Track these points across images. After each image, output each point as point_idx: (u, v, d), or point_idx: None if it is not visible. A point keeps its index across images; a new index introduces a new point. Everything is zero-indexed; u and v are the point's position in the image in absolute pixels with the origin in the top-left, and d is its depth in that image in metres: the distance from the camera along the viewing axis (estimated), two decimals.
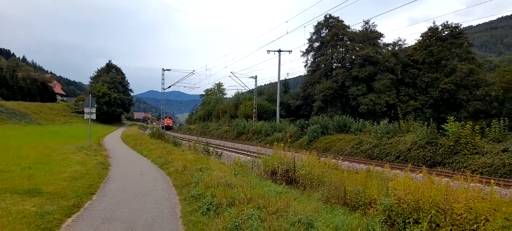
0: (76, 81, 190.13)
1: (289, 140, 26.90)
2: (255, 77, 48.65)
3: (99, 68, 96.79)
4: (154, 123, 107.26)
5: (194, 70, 45.68)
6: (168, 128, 73.31)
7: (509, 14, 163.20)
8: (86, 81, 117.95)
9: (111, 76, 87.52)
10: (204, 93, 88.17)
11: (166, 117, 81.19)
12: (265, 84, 69.23)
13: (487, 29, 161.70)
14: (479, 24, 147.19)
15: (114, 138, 34.68)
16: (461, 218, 4.98)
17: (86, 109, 20.78)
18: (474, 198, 5.13)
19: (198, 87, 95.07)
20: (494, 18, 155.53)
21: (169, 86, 50.56)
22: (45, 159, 13.18)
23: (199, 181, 8.78)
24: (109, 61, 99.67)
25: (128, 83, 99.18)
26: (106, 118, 73.94)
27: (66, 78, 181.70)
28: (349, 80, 41.46)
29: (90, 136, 21.57)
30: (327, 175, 8.45)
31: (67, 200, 7.17)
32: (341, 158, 13.01)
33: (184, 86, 68.32)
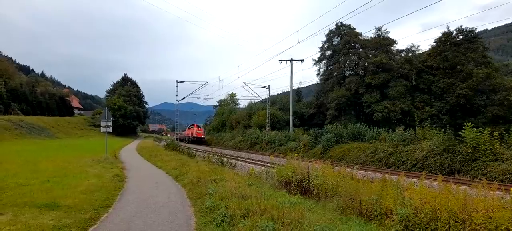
0: (93, 95, 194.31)
1: (303, 149, 26.73)
2: (268, 87, 48.79)
3: (115, 82, 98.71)
4: (168, 135, 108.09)
5: (207, 82, 46.19)
6: (198, 141, 58.78)
7: None
8: (102, 94, 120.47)
9: (126, 89, 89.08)
10: (217, 104, 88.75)
11: (193, 124, 67.15)
12: (278, 94, 69.20)
13: (504, 32, 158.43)
14: (495, 27, 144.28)
15: (129, 150, 35.15)
16: (481, 228, 4.86)
17: (103, 123, 21.16)
18: (493, 207, 5.01)
19: (211, 98, 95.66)
20: (510, 21, 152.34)
21: (183, 98, 51.25)
22: (62, 172, 13.44)
23: (213, 192, 8.80)
24: (125, 74, 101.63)
25: (143, 95, 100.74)
26: (121, 131, 75.06)
27: (83, 92, 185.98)
28: (363, 88, 41.14)
29: (106, 149, 21.92)
30: (342, 185, 8.36)
31: (84, 213, 7.29)
32: (356, 167, 12.88)
33: (198, 98, 68.79)
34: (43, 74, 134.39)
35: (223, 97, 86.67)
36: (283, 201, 7.49)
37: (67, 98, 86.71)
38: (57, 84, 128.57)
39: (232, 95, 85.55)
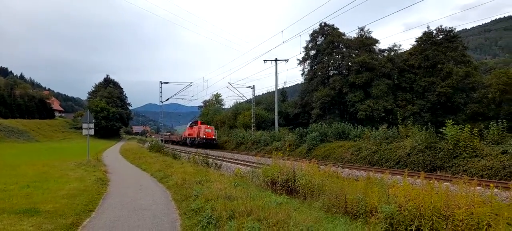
0: (74, 97, 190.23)
1: (288, 149, 26.84)
2: (253, 87, 48.76)
3: (97, 84, 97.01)
4: (153, 136, 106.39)
5: (191, 82, 45.75)
6: (208, 144, 43.07)
7: (502, 16, 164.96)
8: (84, 96, 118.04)
9: (109, 91, 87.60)
10: (202, 104, 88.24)
11: (197, 121, 53.32)
12: (263, 94, 69.28)
13: (482, 32, 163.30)
14: (473, 27, 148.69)
15: (113, 153, 34.54)
16: (463, 224, 4.95)
17: (84, 125, 20.69)
18: (475, 203, 5.10)
19: (196, 99, 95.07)
20: (488, 21, 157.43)
21: (167, 99, 50.55)
22: (43, 176, 13.08)
23: (199, 194, 8.71)
24: (107, 75, 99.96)
25: (126, 97, 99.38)
26: (104, 133, 73.73)
27: (64, 94, 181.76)
28: (346, 87, 41.59)
29: (88, 152, 21.47)
30: (327, 184, 8.41)
31: (66, 218, 7.09)
32: (341, 165, 12.99)
33: (182, 99, 67.74)
34: (22, 77, 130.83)
35: (208, 97, 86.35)
36: (269, 202, 7.46)
37: (48, 101, 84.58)
38: (37, 86, 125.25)
39: (217, 96, 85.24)
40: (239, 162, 22.56)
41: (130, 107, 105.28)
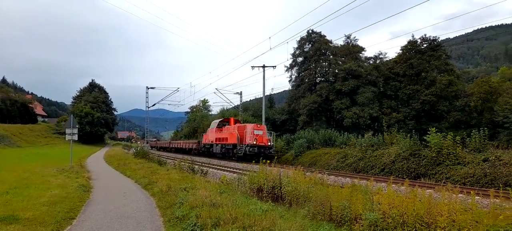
0: (58, 101, 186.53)
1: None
2: (240, 93, 48.71)
3: (81, 88, 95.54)
4: (138, 142, 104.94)
5: (178, 88, 45.53)
6: (261, 154, 25.80)
7: (484, 26, 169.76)
8: (68, 101, 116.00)
9: (94, 95, 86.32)
10: (189, 110, 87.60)
11: (230, 119, 37.33)
12: (250, 100, 69.29)
13: (464, 41, 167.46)
14: (456, 36, 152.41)
15: (97, 159, 33.92)
16: None
17: (68, 130, 20.30)
18: (456, 210, 5.18)
19: (183, 104, 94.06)
20: (471, 30, 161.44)
21: (154, 104, 50.16)
22: (23, 183, 12.74)
23: (184, 201, 8.62)
24: (92, 80, 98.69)
25: (112, 102, 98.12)
26: (88, 138, 72.42)
27: (48, 99, 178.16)
28: (333, 94, 41.96)
29: (71, 158, 21.03)
30: (313, 191, 8.44)
31: (46, 226, 6.91)
32: (327, 172, 13.05)
33: (169, 104, 66.92)
34: (4, 80, 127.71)
35: (195, 103, 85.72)
36: (255, 209, 7.44)
37: (30, 105, 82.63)
38: (20, 90, 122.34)
39: (204, 102, 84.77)
40: (225, 168, 22.44)
41: (115, 113, 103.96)
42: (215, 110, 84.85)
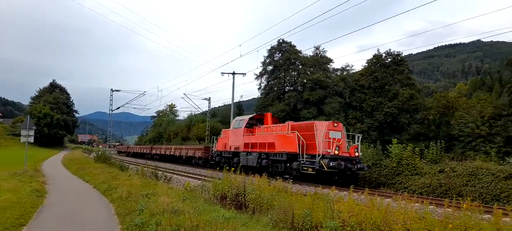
0: (15, 101, 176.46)
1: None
2: (209, 99, 48.31)
3: (41, 88, 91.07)
4: (100, 146, 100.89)
5: (145, 91, 44.49)
6: (355, 173, 17.85)
7: (444, 44, 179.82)
8: (26, 101, 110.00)
9: (54, 96, 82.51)
10: (155, 115, 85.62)
11: (267, 114, 25.26)
12: (219, 106, 68.84)
13: (426, 57, 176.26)
14: (419, 52, 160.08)
15: (54, 163, 32.29)
16: None
17: (23, 132, 19.20)
18: (411, 219, 5.36)
19: (149, 108, 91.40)
20: (431, 47, 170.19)
21: (118, 108, 48.52)
22: None
23: (144, 208, 8.34)
24: (53, 80, 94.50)
25: (73, 104, 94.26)
26: (46, 141, 68.90)
27: (4, 98, 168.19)
28: (301, 103, 42.66)
29: (26, 161, 19.87)
30: (276, 199, 8.45)
31: None
32: (291, 180, 13.12)
33: (134, 108, 64.92)
34: None
35: (161, 108, 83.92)
36: (217, 216, 7.32)
37: None
38: None
39: (171, 106, 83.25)
40: (190, 175, 22.06)
41: (77, 115, 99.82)
42: (182, 115, 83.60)
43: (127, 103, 47.41)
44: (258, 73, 49.72)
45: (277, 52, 48.09)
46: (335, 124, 18.21)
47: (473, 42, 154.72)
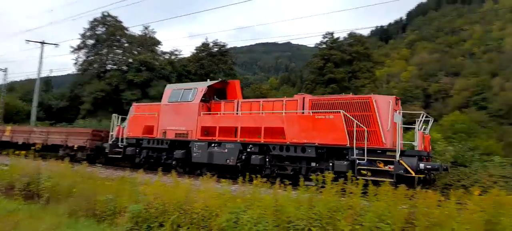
0: None
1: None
2: (5, 70, 39.76)
3: None
4: None
5: None
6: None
7: (262, 42, 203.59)
8: None
9: None
10: None
11: (393, 98, 11.29)
12: (21, 80, 57.21)
13: (248, 51, 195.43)
14: (243, 46, 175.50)
15: None
16: (199, 215, 5.50)
17: None
18: (211, 197, 5.78)
19: None
20: (254, 43, 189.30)
21: None
22: None
23: None
24: None
25: None
26: None
27: None
28: (124, 84, 40.05)
29: None
30: (79, 186, 7.65)
31: None
32: (100, 165, 12.21)
33: None
34: None
35: None
36: None
37: None
38: None
39: None
40: None
41: None
42: None
43: None
44: (76, 46, 43.85)
45: (101, 25, 43.55)
46: (397, 98, 11.73)
47: (285, 44, 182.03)
